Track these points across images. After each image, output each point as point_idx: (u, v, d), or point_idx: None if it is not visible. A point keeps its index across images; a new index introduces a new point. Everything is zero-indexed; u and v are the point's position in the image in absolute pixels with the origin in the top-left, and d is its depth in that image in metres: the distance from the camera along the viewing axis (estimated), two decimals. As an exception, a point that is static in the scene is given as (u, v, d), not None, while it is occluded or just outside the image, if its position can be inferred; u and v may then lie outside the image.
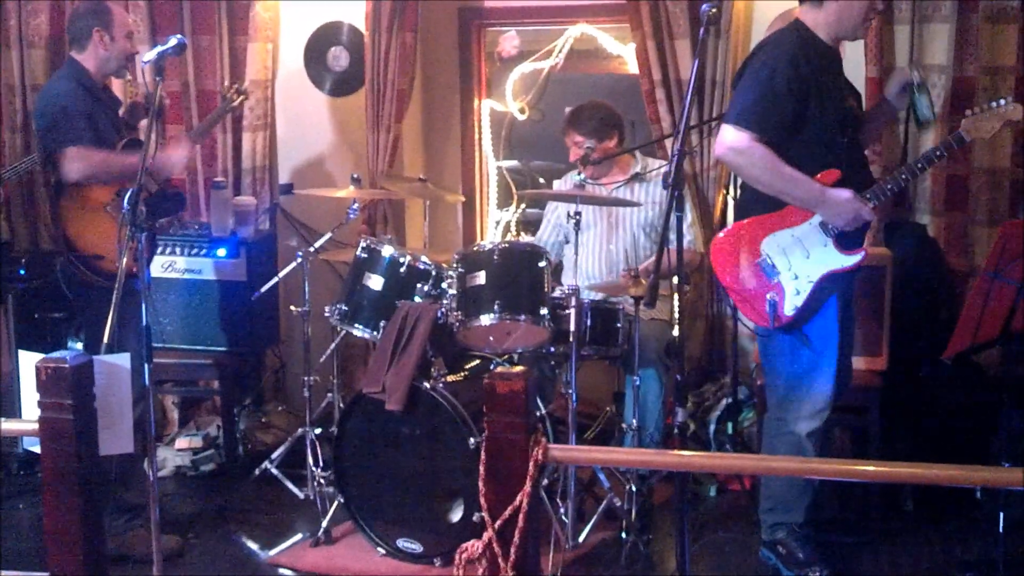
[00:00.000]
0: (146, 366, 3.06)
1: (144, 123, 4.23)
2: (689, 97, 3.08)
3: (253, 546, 3.91)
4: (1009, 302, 3.22)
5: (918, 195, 4.34)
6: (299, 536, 3.94)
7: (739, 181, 3.57)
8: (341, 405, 4.16)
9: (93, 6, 3.94)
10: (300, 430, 4.26)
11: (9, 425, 2.67)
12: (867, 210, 3.32)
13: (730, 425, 4.30)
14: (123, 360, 2.65)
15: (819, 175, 3.31)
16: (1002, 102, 3.35)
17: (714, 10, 3.04)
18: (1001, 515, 3.26)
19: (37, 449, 2.55)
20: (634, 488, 3.80)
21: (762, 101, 3.30)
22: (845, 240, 3.36)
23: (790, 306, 3.36)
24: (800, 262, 3.36)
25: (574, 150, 4.35)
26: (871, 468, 2.45)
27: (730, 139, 3.32)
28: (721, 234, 3.55)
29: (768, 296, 3.36)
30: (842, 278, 3.40)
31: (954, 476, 2.28)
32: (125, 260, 3.07)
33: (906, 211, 4.37)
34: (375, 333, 3.84)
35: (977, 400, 3.90)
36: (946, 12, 4.17)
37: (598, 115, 4.35)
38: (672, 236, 2.99)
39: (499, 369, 2.38)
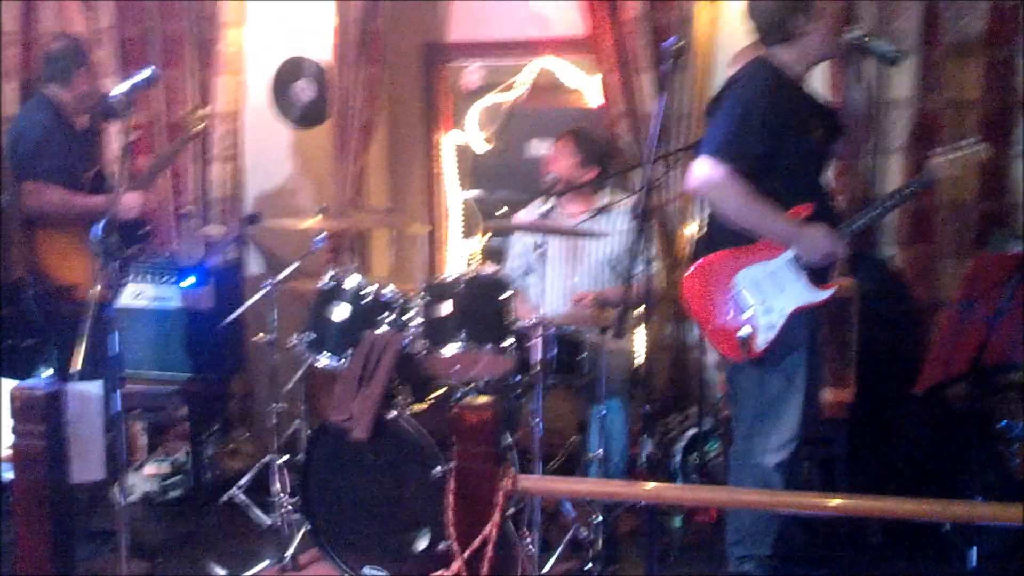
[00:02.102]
0: (116, 393, 3.09)
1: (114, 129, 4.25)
2: (657, 130, 3.11)
3: (221, 573, 3.92)
4: (980, 336, 3.20)
5: (884, 226, 4.36)
6: (266, 563, 3.94)
7: (706, 214, 3.56)
8: (308, 432, 4.20)
9: (73, 45, 4.01)
10: (267, 457, 4.29)
11: (-20, 452, 2.70)
12: (841, 246, 3.34)
13: (696, 456, 4.32)
14: (95, 388, 2.70)
15: (793, 209, 3.33)
16: (970, 142, 3.39)
17: (679, 44, 3.10)
18: (974, 550, 3.23)
19: (7, 475, 2.58)
20: (600, 518, 3.80)
21: (738, 135, 3.30)
22: (815, 275, 3.37)
23: (763, 339, 3.35)
24: (774, 296, 3.36)
25: (553, 161, 4.40)
26: (839, 502, 2.48)
27: (706, 172, 3.30)
28: (692, 268, 3.52)
29: (741, 330, 3.36)
30: (811, 311, 3.41)
31: (926, 510, 2.30)
32: (98, 288, 3.11)
33: (872, 243, 4.40)
34: (341, 362, 3.88)
35: (944, 433, 3.92)
36: (910, 44, 4.20)
37: (597, 144, 4.43)
38: (639, 266, 3.03)
39: (467, 400, 2.44)
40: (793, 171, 3.37)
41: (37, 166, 3.78)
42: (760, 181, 3.30)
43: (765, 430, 3.44)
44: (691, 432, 4.37)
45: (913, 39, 4.24)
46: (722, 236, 3.43)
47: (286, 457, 4.26)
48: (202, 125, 4.56)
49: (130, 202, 4.06)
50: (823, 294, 3.37)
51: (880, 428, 4.11)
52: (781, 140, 3.33)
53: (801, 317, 3.39)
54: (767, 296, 3.37)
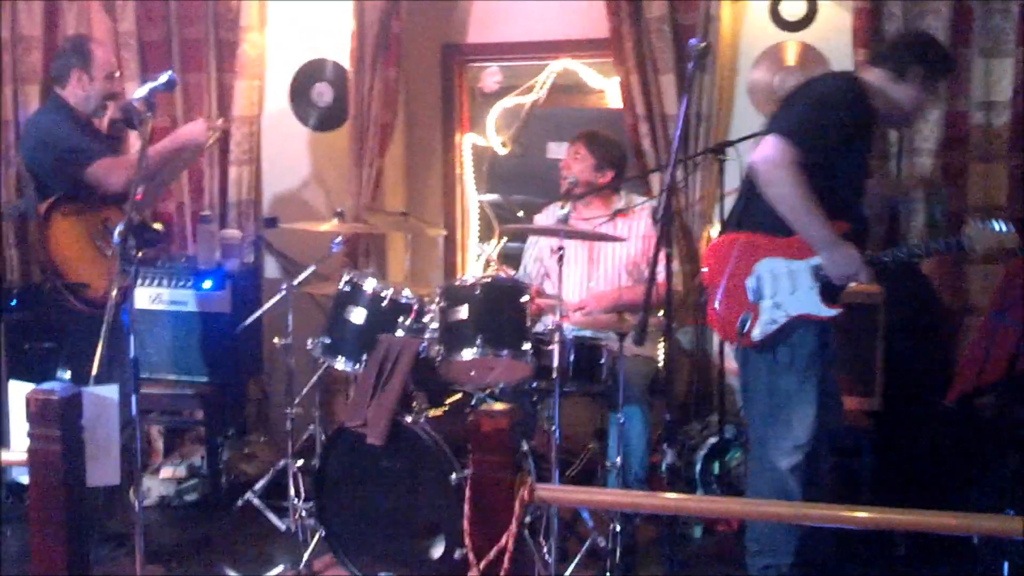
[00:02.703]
0: (133, 397, 3.09)
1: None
2: (680, 132, 3.06)
3: (234, 576, 3.93)
4: (1014, 344, 3.19)
5: (910, 232, 4.34)
6: (280, 568, 3.95)
7: (744, 189, 3.52)
8: (323, 437, 4.18)
9: (74, 45, 4.01)
10: (282, 462, 4.28)
11: (-2, 456, 2.69)
12: (866, 272, 3.32)
13: (716, 465, 4.27)
14: (111, 392, 2.68)
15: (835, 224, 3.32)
16: (1001, 227, 3.27)
17: (703, 45, 3.07)
18: (1005, 565, 3.20)
19: (24, 479, 2.57)
20: (618, 527, 3.76)
21: (814, 125, 3.27)
22: (827, 290, 3.35)
23: (759, 331, 3.36)
24: (785, 294, 3.35)
25: (569, 165, 4.38)
26: (864, 515, 2.43)
27: (772, 151, 3.24)
28: (721, 237, 3.50)
29: (742, 314, 3.37)
30: (815, 322, 3.39)
31: (952, 524, 2.26)
32: (114, 292, 3.11)
33: None
34: (357, 366, 3.86)
35: (972, 443, 3.87)
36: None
37: (612, 147, 4.40)
38: (660, 269, 3.01)
39: (484, 407, 2.41)
40: (841, 188, 3.35)
41: (88, 149, 3.80)
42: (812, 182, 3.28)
43: (777, 433, 3.44)
44: (712, 440, 4.32)
45: (943, 39, 4.17)
46: (763, 218, 3.38)
47: (301, 462, 4.25)
48: (218, 135, 4.56)
49: (193, 130, 4.07)
50: (828, 312, 3.36)
51: (906, 437, 4.05)
52: (844, 154, 3.31)
53: (812, 323, 3.37)
54: (779, 292, 3.36)
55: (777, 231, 3.35)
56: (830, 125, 3.27)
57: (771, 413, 3.46)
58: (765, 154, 3.26)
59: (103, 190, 3.84)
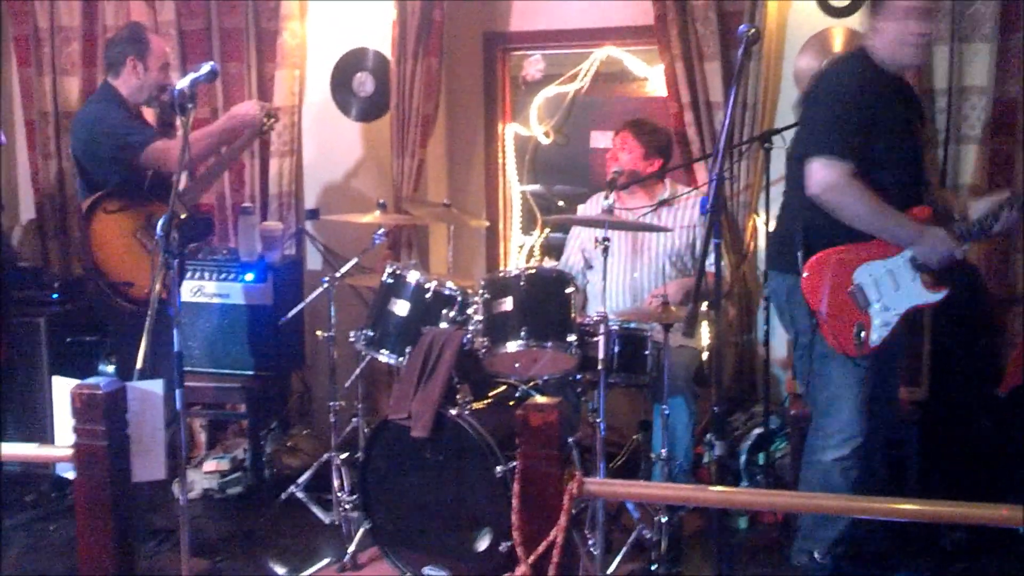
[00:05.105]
0: (178, 391, 3.08)
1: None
2: (728, 121, 3.00)
3: (281, 571, 3.92)
4: None
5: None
6: (326, 561, 3.93)
7: (781, 207, 3.57)
8: (366, 430, 4.17)
9: (131, 34, 4.00)
10: (326, 455, 4.27)
11: (43, 451, 2.69)
12: (960, 250, 3.32)
13: (761, 456, 4.24)
14: (156, 387, 2.67)
15: (914, 210, 3.32)
16: None
17: (752, 31, 3.01)
18: None
19: (68, 474, 2.57)
20: (664, 519, 3.75)
21: (837, 127, 3.25)
22: (934, 275, 3.36)
23: (876, 336, 3.34)
24: (891, 294, 3.35)
25: (615, 153, 4.34)
26: (910, 507, 2.38)
27: (824, 176, 3.24)
28: (819, 256, 3.43)
29: (856, 324, 3.34)
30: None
31: (1002, 516, 2.21)
32: (158, 286, 3.09)
33: None
34: (400, 359, 3.84)
35: (1020, 433, 3.81)
36: (987, 31, 4.11)
37: (659, 135, 4.37)
38: (710, 261, 2.97)
39: (532, 400, 2.38)
40: (903, 168, 3.32)
41: (141, 134, 3.81)
42: (867, 178, 3.26)
43: (825, 425, 3.45)
44: (757, 431, 4.27)
45: (990, 25, 4.11)
46: (835, 229, 3.34)
47: (345, 455, 4.24)
48: (270, 122, 4.54)
49: (249, 110, 4.06)
50: (937, 296, 3.37)
51: (954, 428, 3.98)
52: (875, 136, 3.26)
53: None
54: (885, 294, 3.36)
55: (862, 237, 3.35)
56: (858, 116, 3.25)
57: (821, 405, 3.46)
58: (820, 182, 3.26)
59: (164, 170, 3.83)
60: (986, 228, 3.33)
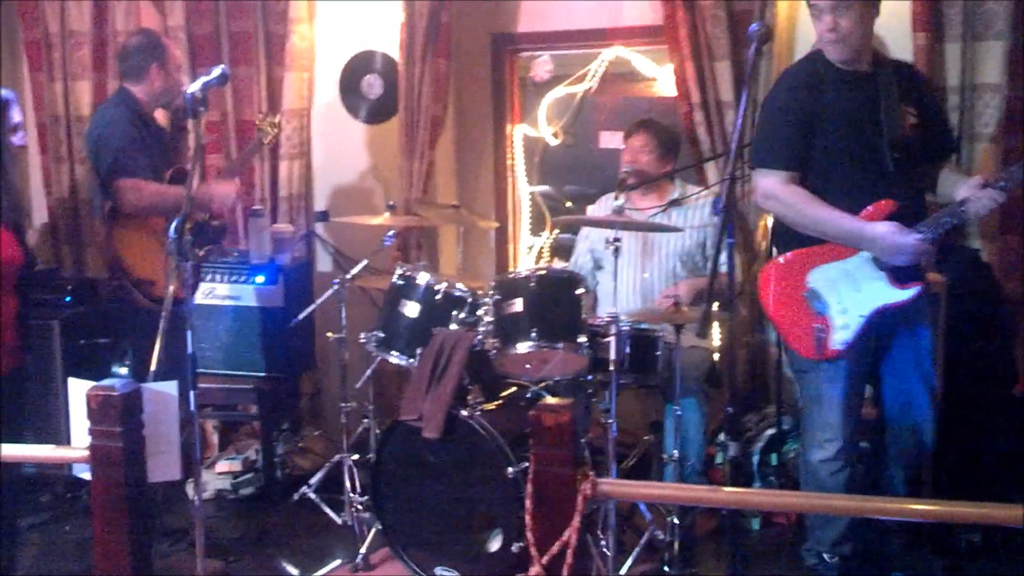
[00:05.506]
0: (191, 392, 3.09)
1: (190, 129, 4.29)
2: (741, 120, 3.01)
3: (293, 571, 3.93)
4: None
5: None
6: (337, 562, 3.94)
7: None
8: (377, 431, 4.18)
9: (148, 41, 4.03)
10: (337, 456, 4.28)
11: (60, 452, 2.71)
12: (911, 242, 3.18)
13: (774, 457, 4.22)
14: (171, 388, 2.69)
15: (872, 207, 3.23)
16: None
17: (764, 29, 3.01)
18: None
19: (84, 475, 2.59)
20: (676, 520, 3.75)
21: (772, 135, 3.29)
22: (900, 273, 3.26)
23: (838, 338, 3.29)
24: (850, 296, 3.28)
25: (630, 155, 4.34)
26: (923, 507, 2.38)
27: (762, 186, 3.31)
28: (767, 264, 3.49)
29: (815, 327, 3.30)
30: (900, 310, 3.30)
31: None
32: (172, 287, 3.11)
33: (958, 235, 4.23)
34: (411, 360, 3.85)
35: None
36: (999, 29, 4.07)
37: (671, 134, 4.39)
38: (722, 261, 2.97)
39: (545, 401, 2.38)
40: (849, 164, 3.28)
41: (130, 163, 3.83)
42: (823, 179, 3.27)
43: (807, 426, 3.46)
44: (769, 432, 4.26)
45: (1003, 23, 4.08)
46: (791, 234, 3.39)
47: (356, 456, 4.25)
48: (276, 132, 4.57)
49: (224, 191, 4.07)
50: (905, 293, 3.27)
51: (968, 428, 3.96)
52: (825, 133, 3.27)
53: (891, 317, 3.30)
54: (843, 296, 3.30)
55: (811, 240, 3.33)
56: (796, 120, 3.28)
57: (806, 404, 3.47)
58: (759, 192, 3.38)
59: (119, 205, 3.86)
60: (957, 215, 3.22)
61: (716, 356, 4.23)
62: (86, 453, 2.51)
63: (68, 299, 4.75)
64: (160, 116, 4.31)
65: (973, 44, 4.14)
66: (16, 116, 3.47)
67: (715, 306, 3.13)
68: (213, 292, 4.75)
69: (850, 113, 3.29)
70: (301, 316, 4.46)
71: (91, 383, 2.56)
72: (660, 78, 5.12)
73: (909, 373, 3.42)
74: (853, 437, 3.40)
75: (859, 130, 3.28)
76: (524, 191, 5.38)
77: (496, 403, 3.81)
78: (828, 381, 3.35)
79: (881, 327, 3.34)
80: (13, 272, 3.41)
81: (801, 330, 3.34)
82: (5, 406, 3.38)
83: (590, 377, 3.84)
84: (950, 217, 3.22)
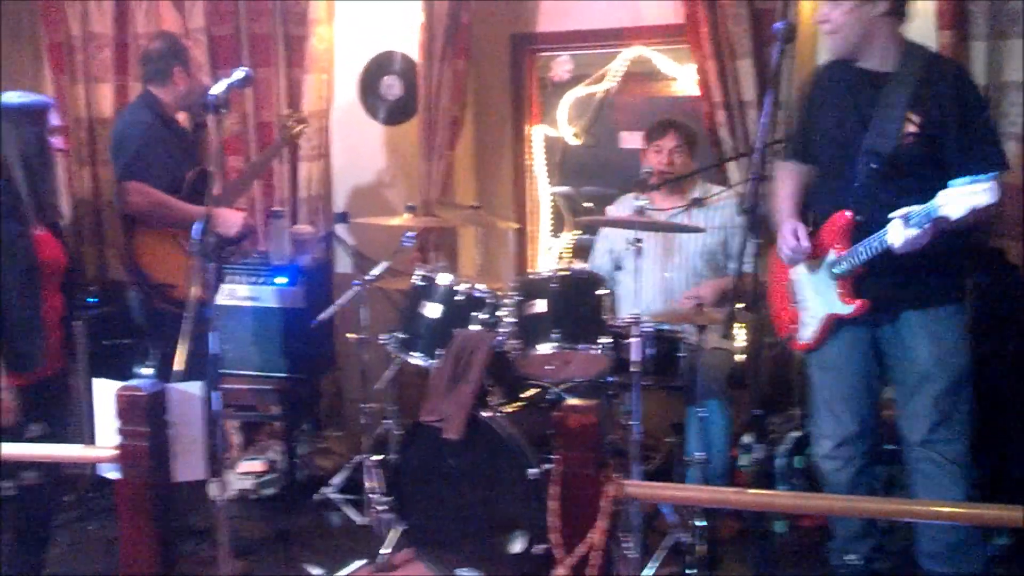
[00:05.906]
0: (214, 394, 3.09)
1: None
2: (767, 119, 2.98)
3: (316, 571, 3.93)
4: None
5: (996, 217, 4.09)
6: (360, 562, 3.94)
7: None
8: (397, 432, 4.18)
9: (170, 44, 4.04)
10: (358, 457, 4.28)
11: (89, 452, 2.72)
12: (787, 251, 3.31)
13: (798, 459, 4.18)
14: (195, 388, 2.69)
15: (834, 216, 3.24)
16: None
17: (789, 26, 2.99)
18: None
19: (111, 475, 2.60)
20: (701, 523, 3.72)
21: (789, 127, 3.47)
22: (849, 287, 3.25)
23: (805, 333, 3.41)
24: (812, 297, 3.39)
25: (656, 156, 4.32)
26: (947, 509, 2.37)
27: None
28: (772, 248, 3.55)
29: (790, 317, 3.48)
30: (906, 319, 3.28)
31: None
32: (195, 288, 3.11)
33: (983, 234, 4.15)
34: (431, 361, 3.85)
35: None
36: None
37: (693, 134, 4.39)
38: (747, 260, 2.96)
39: (570, 402, 2.37)
40: (827, 162, 3.35)
41: (142, 167, 3.84)
42: (815, 179, 3.41)
43: (813, 421, 3.53)
44: (794, 435, 4.22)
45: (1026, 19, 4.05)
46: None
47: (378, 457, 4.25)
48: (300, 128, 4.57)
49: (230, 219, 4.07)
50: (846, 308, 3.28)
51: (996, 432, 3.92)
52: (816, 130, 3.36)
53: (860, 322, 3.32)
54: (806, 295, 3.41)
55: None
56: (800, 115, 3.45)
57: (811, 401, 3.55)
58: None
59: (122, 207, 3.89)
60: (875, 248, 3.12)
61: (740, 357, 4.20)
62: (115, 452, 2.52)
63: (92, 300, 4.77)
64: (180, 116, 4.32)
65: (998, 42, 4.10)
66: (56, 120, 3.48)
67: (739, 306, 3.11)
68: (234, 293, 4.75)
69: (842, 115, 3.28)
70: (323, 316, 4.47)
71: (116, 384, 2.56)
72: (680, 77, 5.10)
73: (912, 386, 3.36)
74: (859, 438, 3.39)
75: (844, 134, 3.26)
76: (544, 191, 5.37)
77: (517, 404, 3.80)
78: (819, 370, 3.44)
79: (882, 330, 3.33)
80: (58, 273, 3.44)
81: (784, 317, 3.50)
82: (51, 408, 3.41)
83: (612, 379, 3.80)
84: (865, 249, 3.15)
